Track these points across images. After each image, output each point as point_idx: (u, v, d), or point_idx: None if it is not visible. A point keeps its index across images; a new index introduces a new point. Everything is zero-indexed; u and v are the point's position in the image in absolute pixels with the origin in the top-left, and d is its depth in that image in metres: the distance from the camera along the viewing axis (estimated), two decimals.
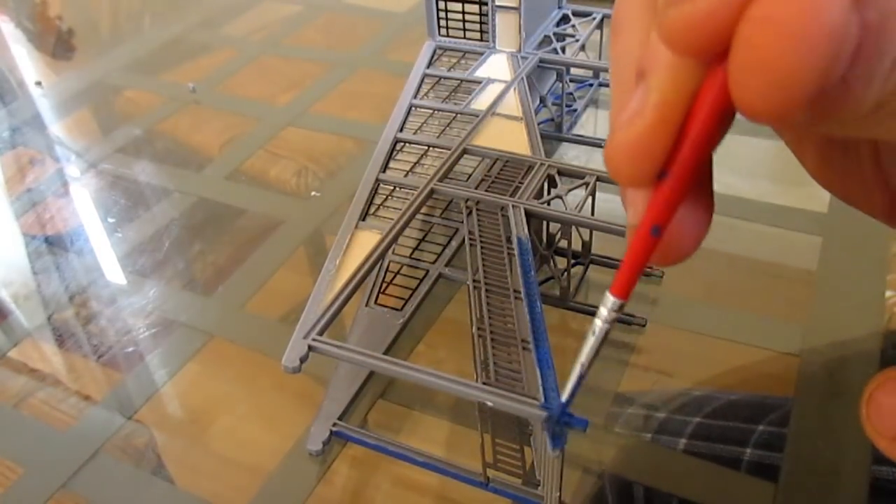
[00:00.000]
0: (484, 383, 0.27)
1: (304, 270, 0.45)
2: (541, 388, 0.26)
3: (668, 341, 0.38)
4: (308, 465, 0.33)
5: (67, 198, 0.53)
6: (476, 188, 0.37)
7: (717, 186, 0.15)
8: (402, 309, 0.39)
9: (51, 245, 0.48)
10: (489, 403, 0.26)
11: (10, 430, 0.36)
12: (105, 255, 0.47)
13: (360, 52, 0.67)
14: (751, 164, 0.48)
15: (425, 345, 0.39)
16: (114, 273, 0.45)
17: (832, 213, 0.44)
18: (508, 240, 0.33)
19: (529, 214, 0.35)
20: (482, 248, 0.33)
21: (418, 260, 0.42)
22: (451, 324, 0.39)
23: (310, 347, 0.29)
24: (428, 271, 0.41)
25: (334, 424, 0.33)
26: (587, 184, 0.37)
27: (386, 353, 0.37)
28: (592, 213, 0.37)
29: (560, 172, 0.38)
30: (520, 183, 0.37)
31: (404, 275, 0.41)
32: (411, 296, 0.39)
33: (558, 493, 0.27)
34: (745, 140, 0.50)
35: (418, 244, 0.43)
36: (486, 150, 0.39)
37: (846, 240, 0.42)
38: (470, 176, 0.44)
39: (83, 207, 0.52)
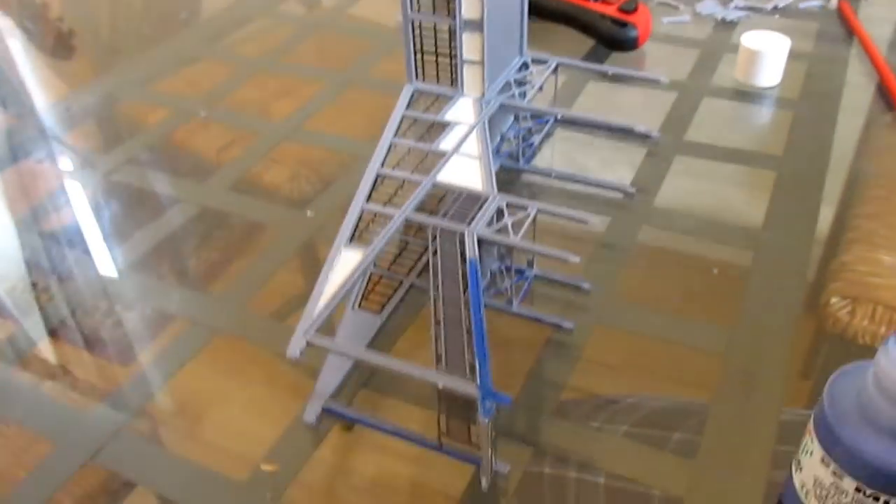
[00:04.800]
0: (438, 370, 0.37)
1: (297, 274, 0.54)
2: (477, 375, 0.36)
3: (609, 342, 0.47)
4: (306, 435, 0.42)
5: (75, 205, 0.62)
6: (442, 216, 0.46)
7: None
8: (380, 312, 0.48)
9: (60, 245, 0.57)
10: (440, 385, 0.36)
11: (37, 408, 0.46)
12: (117, 258, 0.56)
13: (349, 71, 0.77)
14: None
15: (406, 340, 0.48)
16: (127, 275, 0.55)
17: (767, 228, 0.53)
18: (464, 260, 0.43)
19: (481, 240, 0.44)
20: (442, 266, 0.43)
21: (395, 272, 0.51)
22: (424, 326, 0.49)
23: (308, 343, 0.39)
24: (402, 281, 0.50)
25: (325, 402, 0.43)
26: (529, 214, 0.46)
27: (367, 348, 0.46)
28: (534, 239, 0.47)
29: (508, 204, 0.47)
30: (475, 213, 0.46)
31: (384, 284, 0.50)
32: (388, 301, 0.49)
33: (490, 452, 0.36)
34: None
35: (395, 258, 0.52)
36: (449, 185, 0.49)
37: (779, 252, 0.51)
38: (441, 200, 0.53)
39: (91, 215, 0.61)
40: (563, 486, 0.39)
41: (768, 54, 0.67)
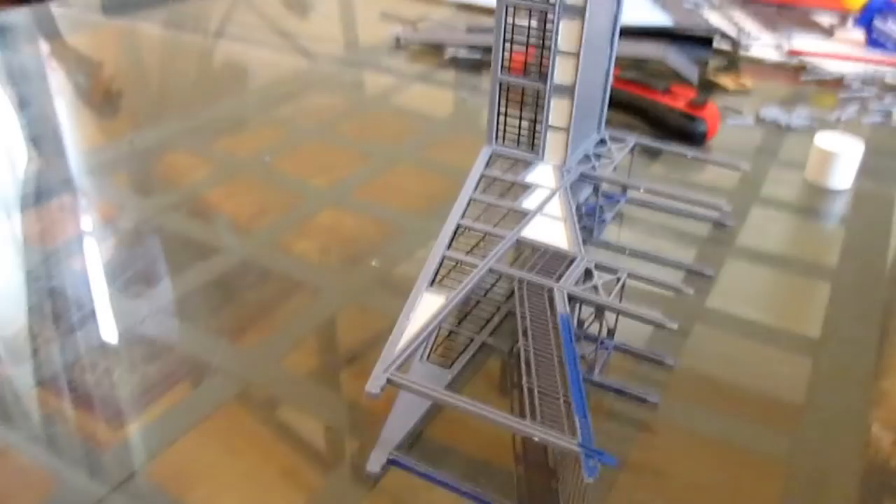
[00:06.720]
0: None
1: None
2: (579, 432, 0.33)
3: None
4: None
5: (91, 253, 0.58)
6: (528, 270, 0.44)
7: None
8: (450, 367, 0.45)
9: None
10: (536, 438, 0.33)
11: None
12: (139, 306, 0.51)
13: (401, 147, 0.76)
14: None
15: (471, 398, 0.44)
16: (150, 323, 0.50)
17: (824, 341, 0.50)
18: (553, 314, 0.40)
19: (571, 297, 0.42)
20: (531, 320, 0.40)
21: (464, 328, 0.48)
22: (489, 386, 0.46)
23: (388, 380, 0.36)
24: (473, 339, 0.47)
25: (391, 453, 0.39)
26: (619, 278, 0.44)
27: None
28: (620, 302, 0.44)
29: (597, 266, 0.45)
30: (562, 272, 0.44)
31: (452, 339, 0.48)
32: (458, 356, 0.46)
33: None
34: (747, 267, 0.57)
35: (465, 315, 0.49)
36: (535, 241, 0.47)
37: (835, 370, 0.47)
38: (514, 261, 0.51)
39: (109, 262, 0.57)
40: None
41: (842, 157, 0.66)
